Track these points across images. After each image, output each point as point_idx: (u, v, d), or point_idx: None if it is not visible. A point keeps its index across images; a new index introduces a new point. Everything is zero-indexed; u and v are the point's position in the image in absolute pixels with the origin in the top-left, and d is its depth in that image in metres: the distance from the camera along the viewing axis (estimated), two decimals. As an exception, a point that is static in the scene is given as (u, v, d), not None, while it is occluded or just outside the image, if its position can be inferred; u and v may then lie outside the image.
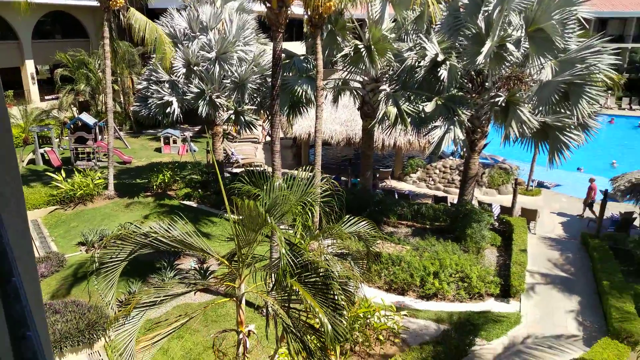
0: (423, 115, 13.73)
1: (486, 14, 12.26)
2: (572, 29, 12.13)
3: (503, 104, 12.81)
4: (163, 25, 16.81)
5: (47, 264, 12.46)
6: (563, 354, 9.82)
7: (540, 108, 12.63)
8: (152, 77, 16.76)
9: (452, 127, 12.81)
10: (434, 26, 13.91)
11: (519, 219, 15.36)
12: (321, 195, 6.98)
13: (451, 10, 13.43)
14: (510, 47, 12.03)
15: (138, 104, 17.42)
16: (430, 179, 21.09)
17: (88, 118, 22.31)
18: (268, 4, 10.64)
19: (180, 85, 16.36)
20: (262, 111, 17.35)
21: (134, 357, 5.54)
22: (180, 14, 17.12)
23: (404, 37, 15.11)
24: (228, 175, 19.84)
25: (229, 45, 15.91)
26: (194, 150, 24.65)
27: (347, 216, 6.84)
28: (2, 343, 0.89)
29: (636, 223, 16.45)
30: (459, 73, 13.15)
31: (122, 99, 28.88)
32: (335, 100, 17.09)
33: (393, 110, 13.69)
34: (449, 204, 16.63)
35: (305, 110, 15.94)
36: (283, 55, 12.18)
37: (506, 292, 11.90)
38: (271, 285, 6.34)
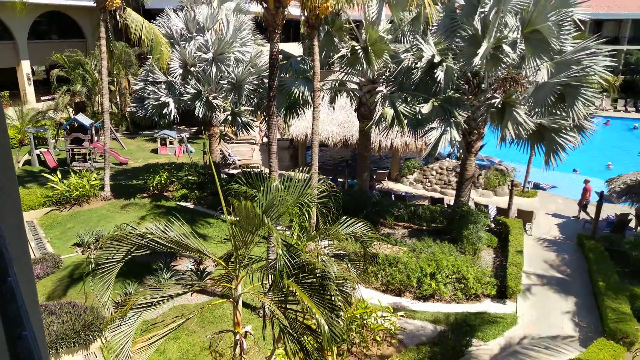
0: (420, 117, 13.74)
1: (482, 15, 12.31)
2: (568, 31, 12.19)
3: (499, 106, 12.85)
4: (160, 26, 16.76)
5: (43, 265, 12.41)
6: (559, 355, 9.85)
7: (536, 110, 12.70)
8: (148, 78, 16.71)
9: (448, 128, 12.84)
10: (430, 27, 13.94)
11: (515, 221, 15.41)
12: (318, 197, 6.99)
13: (447, 11, 13.47)
14: (507, 48, 12.08)
15: (134, 104, 17.35)
16: (427, 180, 21.13)
17: (84, 119, 22.27)
18: (265, 5, 10.64)
19: (177, 86, 16.32)
20: (259, 112, 17.31)
21: (130, 358, 5.53)
22: (177, 14, 17.07)
23: (400, 38, 15.13)
24: (225, 176, 19.81)
25: (225, 46, 15.89)
26: (191, 152, 24.61)
27: (344, 217, 6.86)
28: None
29: (631, 224, 16.54)
30: (456, 74, 13.18)
31: (118, 100, 28.78)
32: (332, 101, 17.12)
33: (390, 112, 13.71)
34: (446, 206, 16.67)
35: (302, 111, 15.95)
36: (280, 56, 12.18)
37: (502, 293, 11.94)
38: (268, 286, 6.33)
